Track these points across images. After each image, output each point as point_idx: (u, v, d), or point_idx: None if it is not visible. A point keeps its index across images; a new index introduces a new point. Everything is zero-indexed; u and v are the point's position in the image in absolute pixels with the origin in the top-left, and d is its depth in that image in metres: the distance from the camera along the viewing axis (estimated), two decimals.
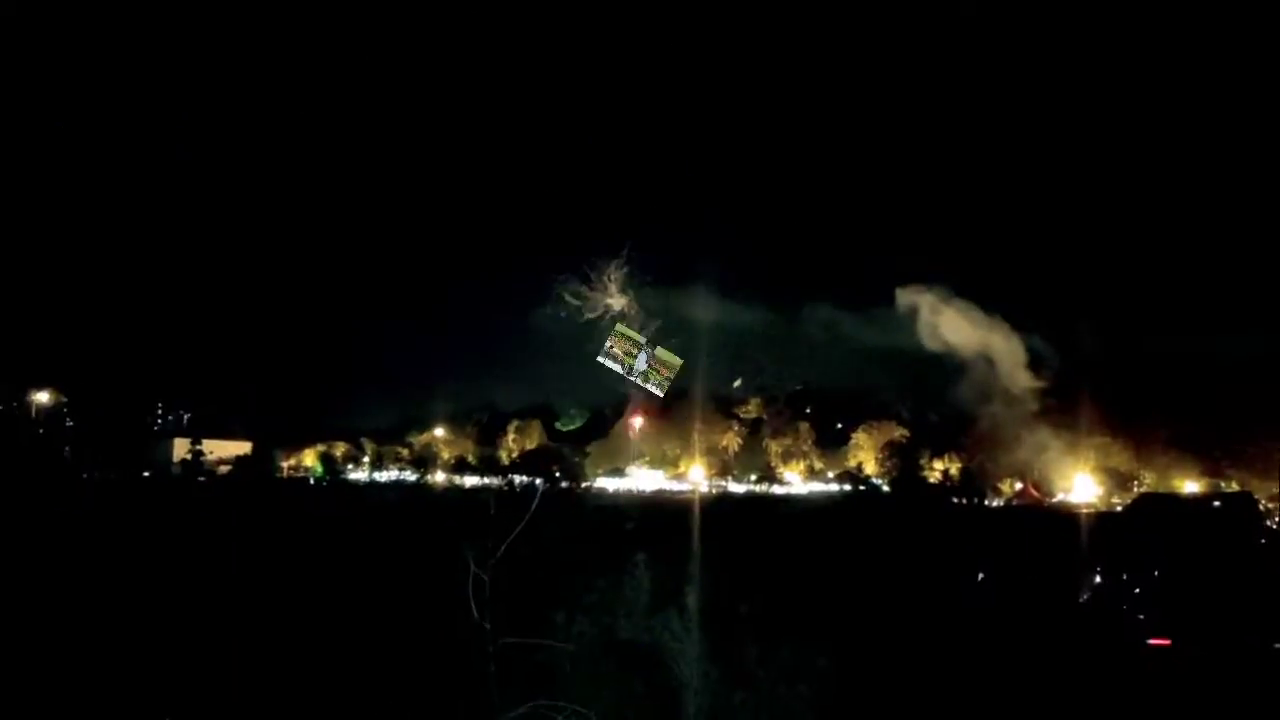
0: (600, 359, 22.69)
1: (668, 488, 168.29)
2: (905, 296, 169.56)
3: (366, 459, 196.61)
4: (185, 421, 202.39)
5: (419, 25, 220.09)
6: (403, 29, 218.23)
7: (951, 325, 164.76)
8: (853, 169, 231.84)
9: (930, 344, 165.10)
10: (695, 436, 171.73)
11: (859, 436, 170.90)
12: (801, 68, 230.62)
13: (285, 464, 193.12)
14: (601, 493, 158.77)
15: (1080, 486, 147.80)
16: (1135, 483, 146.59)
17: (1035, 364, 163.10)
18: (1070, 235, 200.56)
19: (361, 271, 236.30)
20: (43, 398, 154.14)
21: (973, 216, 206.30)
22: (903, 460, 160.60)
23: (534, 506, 22.05)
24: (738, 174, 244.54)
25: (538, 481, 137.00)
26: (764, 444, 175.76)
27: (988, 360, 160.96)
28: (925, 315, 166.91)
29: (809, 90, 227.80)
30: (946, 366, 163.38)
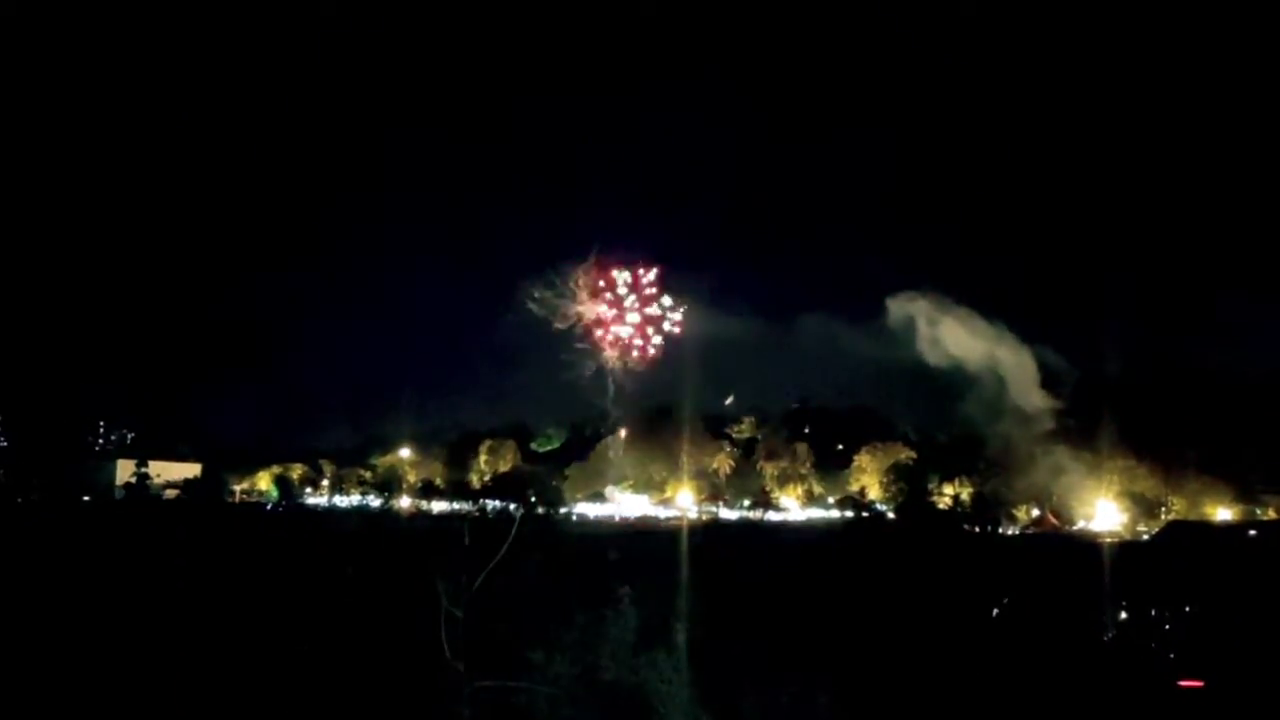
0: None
1: (654, 514, 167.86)
2: (898, 306, 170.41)
3: (326, 482, 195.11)
4: (129, 441, 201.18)
5: (380, 29, 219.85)
6: (366, 33, 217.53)
7: (952, 337, 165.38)
8: (850, 168, 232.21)
9: (932, 358, 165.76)
10: (684, 458, 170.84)
11: (861, 458, 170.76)
12: (800, 63, 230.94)
13: (237, 487, 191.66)
14: (582, 519, 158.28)
15: (1103, 513, 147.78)
16: (1163, 509, 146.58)
17: (1051, 380, 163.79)
18: (1085, 238, 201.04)
19: (317, 277, 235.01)
20: None
21: (978, 218, 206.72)
22: (909, 484, 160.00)
23: (511, 536, 22.69)
24: (725, 172, 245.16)
25: (513, 507, 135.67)
26: (758, 466, 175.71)
27: (998, 375, 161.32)
28: (922, 326, 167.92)
29: (806, 83, 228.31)
30: (956, 382, 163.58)
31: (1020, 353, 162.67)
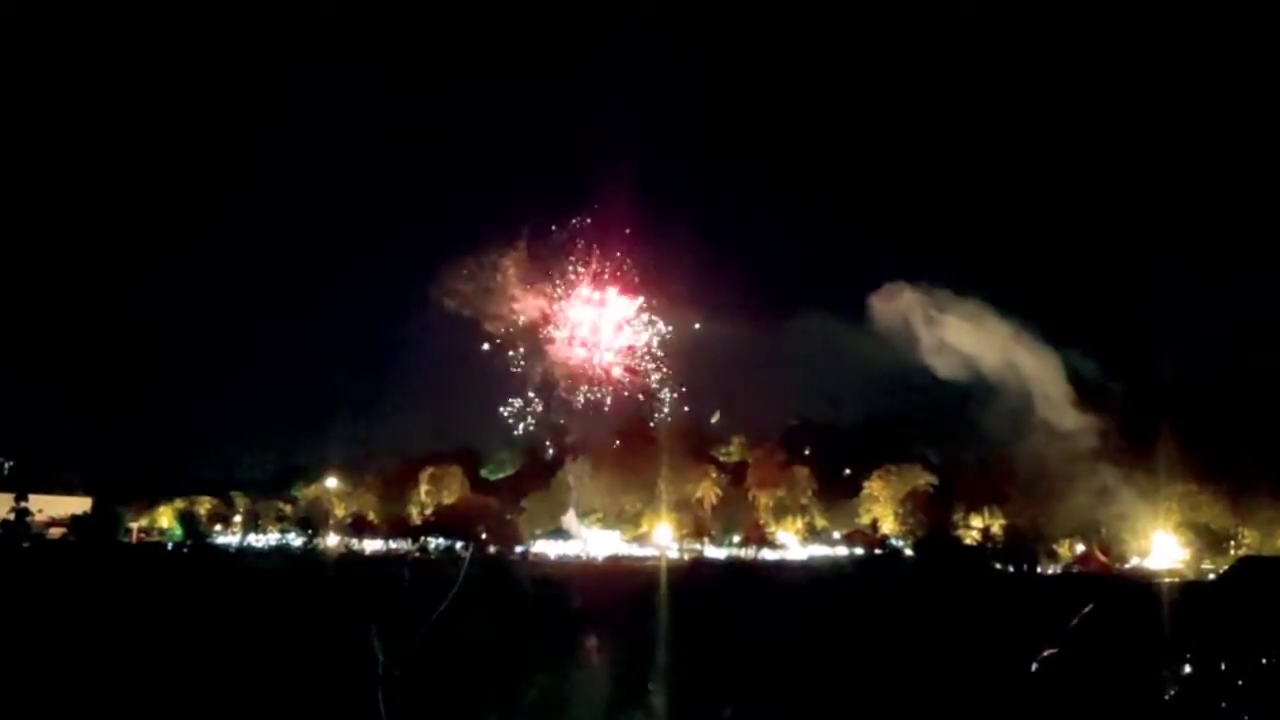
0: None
1: (626, 552, 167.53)
2: (887, 304, 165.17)
3: (239, 518, 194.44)
4: (6, 471, 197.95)
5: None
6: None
7: (960, 337, 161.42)
8: (846, 144, 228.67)
9: (939, 365, 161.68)
10: (662, 486, 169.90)
11: (873, 485, 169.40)
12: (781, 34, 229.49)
13: (135, 525, 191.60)
14: (542, 560, 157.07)
15: (1160, 548, 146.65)
16: (1232, 543, 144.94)
17: (1088, 389, 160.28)
18: (1120, 213, 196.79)
19: (227, 283, 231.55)
20: None
21: (997, 194, 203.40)
22: (930, 515, 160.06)
23: (459, 580, 22.18)
24: (702, 150, 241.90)
25: (460, 546, 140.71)
26: (750, 496, 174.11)
27: (1021, 384, 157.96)
28: (919, 327, 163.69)
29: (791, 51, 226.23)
30: (979, 394, 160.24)
31: (1045, 357, 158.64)
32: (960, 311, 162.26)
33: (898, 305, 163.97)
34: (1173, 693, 45.21)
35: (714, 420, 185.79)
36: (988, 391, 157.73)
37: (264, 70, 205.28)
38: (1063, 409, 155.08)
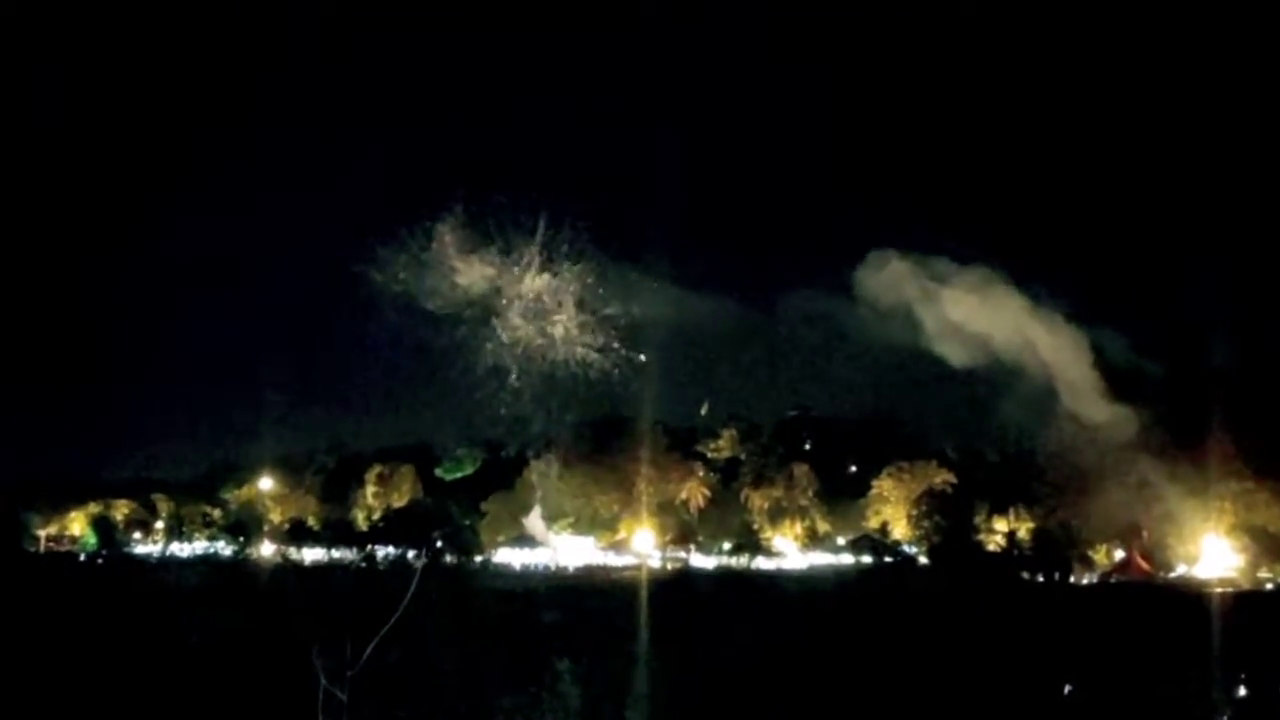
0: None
1: (602, 561, 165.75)
2: (873, 275, 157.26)
3: (160, 524, 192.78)
4: None
5: None
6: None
7: (966, 315, 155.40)
8: (847, 101, 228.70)
9: (942, 346, 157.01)
10: (643, 487, 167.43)
11: (882, 484, 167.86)
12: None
13: (43, 532, 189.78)
14: (505, 570, 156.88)
15: (1211, 554, 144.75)
16: None
17: (1128, 374, 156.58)
18: (1164, 166, 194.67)
19: (143, 260, 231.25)
20: None
21: (1007, 140, 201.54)
22: (948, 518, 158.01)
23: (410, 593, 22.60)
24: (684, 114, 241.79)
25: (411, 555, 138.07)
26: (743, 497, 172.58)
27: (1043, 367, 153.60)
28: (913, 301, 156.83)
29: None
30: (1001, 379, 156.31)
31: (1068, 335, 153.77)
32: (963, 283, 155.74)
33: (886, 278, 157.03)
34: (1227, 717, 47.71)
35: (702, 412, 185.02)
36: (1007, 376, 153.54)
37: (166, 56, 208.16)
38: (1091, 397, 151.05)
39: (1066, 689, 53.06)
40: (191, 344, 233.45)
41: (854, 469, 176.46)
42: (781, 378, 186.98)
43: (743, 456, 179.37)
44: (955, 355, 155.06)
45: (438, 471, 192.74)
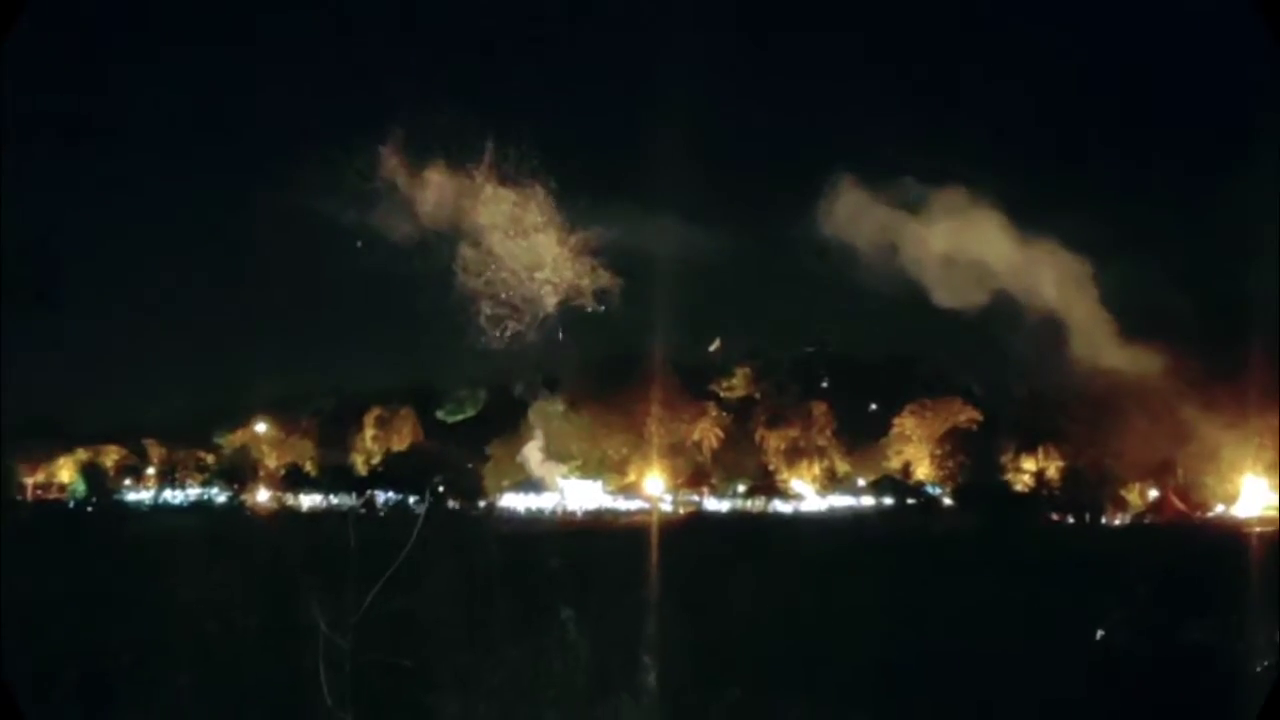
0: None
1: (611, 506, 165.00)
2: (839, 210, 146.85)
3: (152, 470, 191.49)
4: None
5: None
6: None
7: (943, 245, 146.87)
8: None
9: (934, 287, 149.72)
10: (653, 428, 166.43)
11: (904, 423, 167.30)
12: None
13: (30, 480, 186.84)
14: (510, 515, 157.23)
15: (1251, 493, 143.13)
16: None
17: (1154, 301, 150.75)
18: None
19: (125, 193, 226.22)
20: None
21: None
22: (973, 458, 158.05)
23: (412, 539, 22.26)
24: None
25: (413, 501, 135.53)
26: (758, 437, 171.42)
27: (1044, 300, 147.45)
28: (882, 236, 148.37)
29: None
30: (1010, 314, 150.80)
31: (1070, 263, 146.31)
32: (936, 208, 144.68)
33: (848, 211, 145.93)
34: (1266, 664, 42.50)
35: (713, 348, 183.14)
36: (1016, 311, 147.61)
37: None
38: (1103, 333, 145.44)
39: (1099, 634, 48.96)
40: (185, 284, 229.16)
41: (874, 407, 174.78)
42: (799, 312, 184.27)
43: (758, 395, 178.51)
44: (951, 292, 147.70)
45: (438, 414, 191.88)
